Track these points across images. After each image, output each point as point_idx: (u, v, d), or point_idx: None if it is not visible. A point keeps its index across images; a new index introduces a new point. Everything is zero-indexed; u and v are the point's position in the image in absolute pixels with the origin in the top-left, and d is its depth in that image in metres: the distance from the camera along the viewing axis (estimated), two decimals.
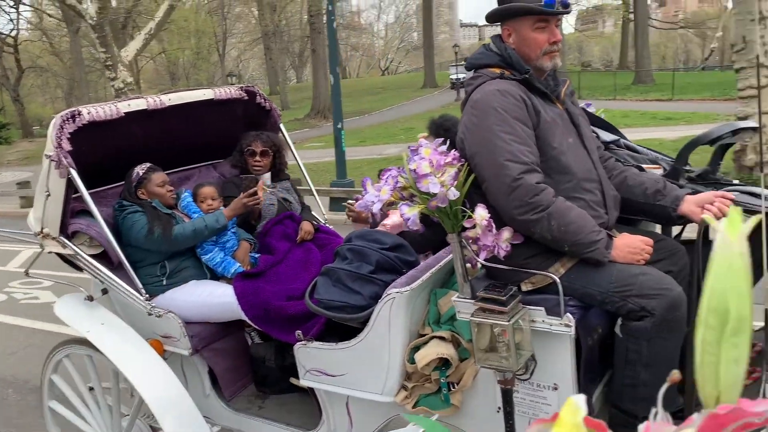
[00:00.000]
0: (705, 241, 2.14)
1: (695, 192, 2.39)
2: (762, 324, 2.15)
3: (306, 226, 3.42)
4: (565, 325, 2.08)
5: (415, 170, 1.98)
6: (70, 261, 3.30)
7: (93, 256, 3.13)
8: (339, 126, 11.48)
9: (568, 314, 2.08)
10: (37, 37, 42.64)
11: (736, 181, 2.44)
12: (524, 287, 2.19)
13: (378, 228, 3.16)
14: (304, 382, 2.74)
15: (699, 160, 2.90)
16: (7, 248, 9.66)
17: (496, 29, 2.41)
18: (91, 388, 3.23)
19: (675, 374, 0.57)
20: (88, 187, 2.99)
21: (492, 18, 2.36)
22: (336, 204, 10.24)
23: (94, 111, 3.00)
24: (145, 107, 3.19)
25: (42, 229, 3.16)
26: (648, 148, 2.87)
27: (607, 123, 2.91)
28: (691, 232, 2.50)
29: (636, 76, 35.15)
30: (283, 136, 3.88)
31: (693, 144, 2.67)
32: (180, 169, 3.81)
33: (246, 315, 2.96)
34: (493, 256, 2.12)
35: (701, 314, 0.58)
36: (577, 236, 2.09)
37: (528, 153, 2.13)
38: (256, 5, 43.50)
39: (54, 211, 3.04)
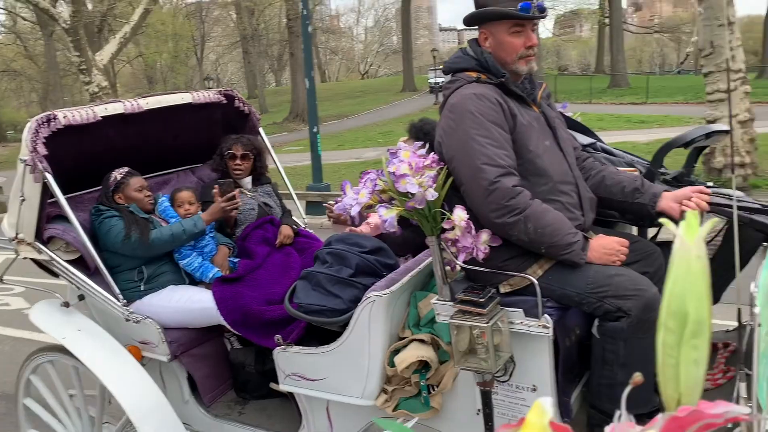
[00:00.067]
0: None
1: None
2: (736, 324, 2.19)
3: (285, 230, 3.41)
4: (543, 327, 2.10)
5: (393, 172, 1.99)
6: (45, 267, 3.26)
7: (69, 261, 3.09)
8: (315, 130, 11.48)
9: (546, 315, 2.10)
10: (10, 40, 41.91)
11: (710, 184, 2.48)
12: (503, 289, 2.21)
13: (362, 226, 3.16)
14: (284, 387, 2.73)
15: (673, 163, 2.95)
16: None
17: (475, 33, 2.43)
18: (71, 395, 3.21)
19: (637, 376, 0.58)
20: (64, 192, 2.96)
21: (469, 22, 2.38)
22: (312, 207, 10.23)
23: (70, 115, 2.97)
24: (122, 111, 3.16)
25: (17, 234, 3.12)
26: (624, 151, 2.91)
27: (584, 126, 2.94)
28: (666, 233, 2.54)
29: (611, 79, 35.59)
30: (262, 139, 3.87)
31: (667, 147, 2.71)
32: (158, 173, 3.78)
33: (225, 320, 2.94)
34: (471, 258, 2.14)
35: (661, 317, 0.59)
36: (553, 238, 2.11)
37: (504, 156, 2.14)
38: (234, 9, 43.31)
39: (29, 217, 3.00)
